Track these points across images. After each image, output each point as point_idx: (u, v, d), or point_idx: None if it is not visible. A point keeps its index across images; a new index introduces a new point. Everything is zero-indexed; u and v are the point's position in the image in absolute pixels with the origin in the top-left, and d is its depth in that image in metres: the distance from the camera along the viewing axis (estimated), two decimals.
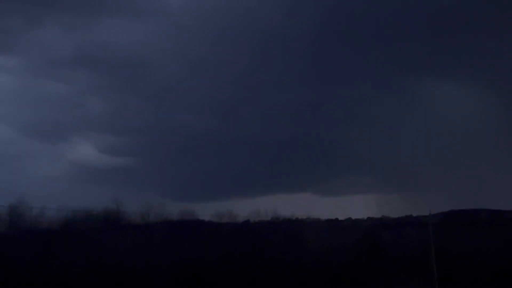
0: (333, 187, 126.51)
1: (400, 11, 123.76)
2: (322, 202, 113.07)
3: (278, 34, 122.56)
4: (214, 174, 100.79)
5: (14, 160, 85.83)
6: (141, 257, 35.36)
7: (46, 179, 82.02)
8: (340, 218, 78.52)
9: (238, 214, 52.13)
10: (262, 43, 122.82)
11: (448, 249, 50.57)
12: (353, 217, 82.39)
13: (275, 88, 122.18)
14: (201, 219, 50.09)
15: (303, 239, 47.43)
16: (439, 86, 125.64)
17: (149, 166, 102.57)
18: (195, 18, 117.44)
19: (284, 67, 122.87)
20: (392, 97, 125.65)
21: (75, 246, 33.82)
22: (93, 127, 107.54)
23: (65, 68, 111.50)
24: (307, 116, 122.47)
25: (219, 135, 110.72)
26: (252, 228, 49.06)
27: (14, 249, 31.54)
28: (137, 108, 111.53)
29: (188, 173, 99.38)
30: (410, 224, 65.18)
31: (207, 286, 36.52)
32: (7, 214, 36.14)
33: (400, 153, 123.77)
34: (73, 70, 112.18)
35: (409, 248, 51.80)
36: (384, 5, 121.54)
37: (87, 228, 37.96)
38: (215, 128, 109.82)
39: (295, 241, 46.03)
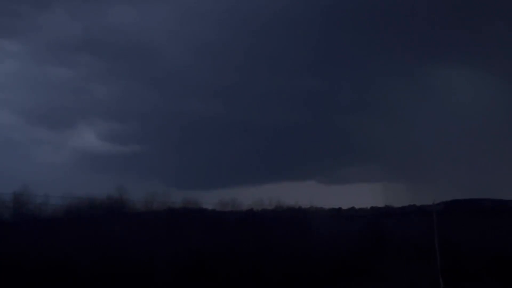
0: (339, 175, 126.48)
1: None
2: (327, 191, 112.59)
3: (288, 18, 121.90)
4: (219, 162, 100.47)
5: (19, 146, 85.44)
6: (145, 245, 35.13)
7: (50, 166, 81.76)
8: (344, 207, 78.76)
9: (241, 202, 52.12)
10: (273, 25, 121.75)
11: (451, 238, 50.47)
12: (357, 206, 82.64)
13: (282, 74, 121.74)
14: (205, 207, 50.08)
15: (306, 228, 47.37)
16: (451, 73, 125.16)
17: (154, 153, 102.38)
18: (202, 2, 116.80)
19: (293, 53, 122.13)
20: (403, 85, 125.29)
21: (79, 233, 33.61)
22: (97, 114, 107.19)
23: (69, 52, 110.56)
24: (315, 103, 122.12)
25: (224, 121, 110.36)
26: (256, 216, 48.91)
27: (18, 237, 31.33)
28: (143, 95, 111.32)
29: (193, 160, 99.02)
30: (414, 213, 65.34)
31: (210, 274, 36.37)
32: (11, 202, 35.89)
33: (409, 143, 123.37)
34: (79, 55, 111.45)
35: (413, 237, 51.81)
36: None
37: (91, 215, 37.72)
38: (221, 114, 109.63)
39: (299, 229, 45.92)
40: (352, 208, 79.27)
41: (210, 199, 77.93)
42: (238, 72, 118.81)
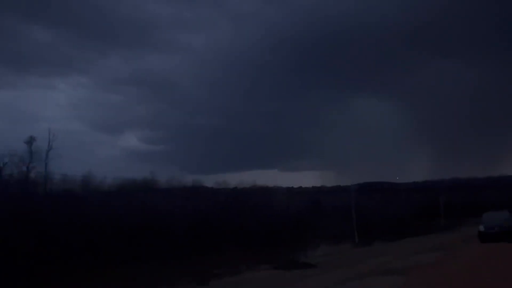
0: (292, 166, 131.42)
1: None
2: (285, 176, 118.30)
3: (266, 69, 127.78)
4: (216, 156, 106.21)
5: (87, 145, 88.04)
6: (168, 210, 35.77)
7: (107, 159, 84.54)
8: (296, 186, 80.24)
9: (230, 182, 53.24)
10: (252, 74, 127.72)
11: (362, 207, 51.59)
12: (303, 186, 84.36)
13: (254, 99, 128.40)
14: (206, 185, 51.03)
15: (271, 201, 48.12)
16: (365, 100, 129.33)
17: (174, 150, 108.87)
18: (210, 52, 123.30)
19: (264, 89, 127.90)
20: (335, 108, 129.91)
21: (127, 202, 34.14)
22: (138, 125, 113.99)
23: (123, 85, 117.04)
24: (279, 119, 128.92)
25: (220, 130, 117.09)
26: (239, 192, 49.51)
27: (85, 205, 31.78)
28: (168, 113, 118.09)
29: (199, 155, 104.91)
30: (339, 191, 66.48)
31: (209, 229, 37.01)
32: (81, 181, 36.50)
33: (336, 146, 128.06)
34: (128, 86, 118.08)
35: (338, 206, 52.73)
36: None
37: (133, 190, 38.30)
38: (218, 125, 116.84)
39: (267, 201, 46.67)
40: (300, 187, 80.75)
41: (210, 180, 80.00)
42: (230, 97, 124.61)
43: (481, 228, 25.85)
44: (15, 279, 21.04)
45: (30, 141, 33.87)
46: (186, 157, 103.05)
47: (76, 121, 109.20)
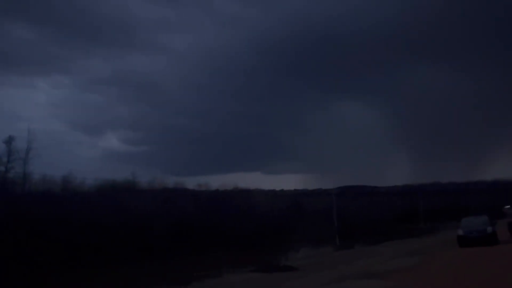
0: (275, 169, 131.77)
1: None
2: (267, 178, 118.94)
3: (251, 72, 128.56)
4: (197, 158, 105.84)
5: (67, 145, 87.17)
6: (149, 212, 35.53)
7: (88, 159, 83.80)
8: (278, 189, 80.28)
9: (212, 185, 53.08)
10: (237, 77, 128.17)
11: (344, 211, 51.91)
12: (285, 188, 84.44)
13: (242, 102, 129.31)
14: (188, 187, 50.77)
15: (253, 203, 48.06)
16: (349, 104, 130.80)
17: (154, 151, 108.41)
18: (194, 54, 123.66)
19: (250, 91, 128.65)
20: (318, 113, 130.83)
21: (106, 204, 33.81)
22: (120, 125, 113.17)
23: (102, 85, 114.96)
24: (263, 121, 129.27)
25: (202, 132, 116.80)
26: (221, 194, 49.36)
27: (64, 205, 31.42)
28: (150, 114, 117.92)
29: (180, 156, 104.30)
30: (321, 194, 66.66)
31: (191, 231, 36.88)
32: (60, 182, 36.03)
33: (320, 149, 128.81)
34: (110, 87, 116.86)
35: (320, 209, 52.89)
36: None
37: (114, 192, 37.92)
38: (199, 127, 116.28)
39: (248, 203, 46.62)
40: (283, 190, 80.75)
41: (192, 182, 79.37)
42: (214, 99, 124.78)
43: (460, 232, 26.13)
44: None
45: (9, 141, 33.39)
46: (168, 158, 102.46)
47: (56, 121, 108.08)
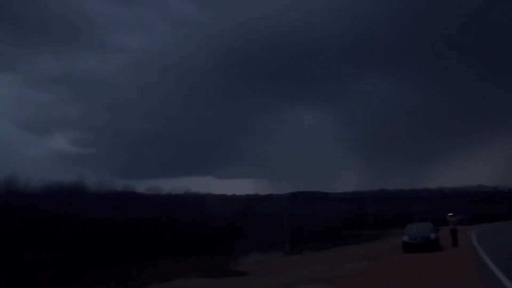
0: (228, 173, 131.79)
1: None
2: (220, 183, 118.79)
3: (205, 74, 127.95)
4: (150, 161, 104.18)
5: (13, 145, 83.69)
6: (97, 215, 34.70)
7: (33, 160, 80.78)
8: (229, 194, 79.94)
9: (163, 188, 52.24)
10: (190, 79, 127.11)
11: (294, 216, 52.37)
12: (237, 193, 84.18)
13: (196, 106, 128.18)
14: (138, 191, 49.74)
15: (204, 208, 47.80)
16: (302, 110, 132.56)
17: (104, 154, 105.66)
18: (148, 55, 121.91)
19: (203, 93, 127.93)
20: (272, 118, 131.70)
21: (52, 207, 32.77)
22: (68, 126, 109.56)
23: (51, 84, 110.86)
24: (216, 125, 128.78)
25: (153, 134, 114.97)
26: (172, 199, 48.74)
27: (9, 207, 30.25)
28: (101, 115, 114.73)
29: (130, 159, 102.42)
30: (272, 199, 67.06)
31: (140, 235, 36.29)
32: (4, 183, 34.60)
33: (272, 155, 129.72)
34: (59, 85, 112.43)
35: (271, 214, 53.16)
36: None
37: (61, 194, 36.76)
38: (151, 130, 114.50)
39: (200, 208, 46.34)
40: (234, 195, 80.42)
41: (142, 185, 78.03)
42: (167, 101, 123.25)
43: (405, 238, 26.79)
44: None
45: None
46: (118, 161, 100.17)
47: (1, 119, 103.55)
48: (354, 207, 75.99)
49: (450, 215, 30.16)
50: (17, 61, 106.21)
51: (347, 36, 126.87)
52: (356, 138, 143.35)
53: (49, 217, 30.62)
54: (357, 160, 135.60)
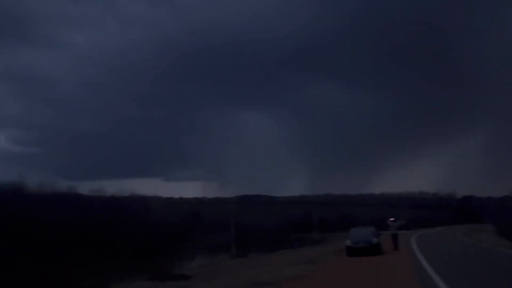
0: (176, 175, 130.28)
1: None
2: (168, 185, 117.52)
3: (154, 75, 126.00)
4: (95, 162, 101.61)
5: None
6: (36, 217, 33.32)
7: None
8: (176, 196, 78.96)
9: (107, 190, 50.79)
10: (139, 79, 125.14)
11: (241, 219, 52.31)
12: (184, 196, 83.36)
13: (142, 106, 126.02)
14: (81, 192, 48.16)
15: (150, 211, 46.97)
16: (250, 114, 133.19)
17: (48, 154, 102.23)
18: (94, 52, 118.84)
19: (152, 95, 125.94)
20: (220, 121, 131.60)
21: None
22: (9, 124, 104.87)
23: None
24: (165, 127, 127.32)
25: (99, 134, 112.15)
26: (116, 201, 47.49)
27: None
28: (44, 113, 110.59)
29: (74, 159, 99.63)
30: (220, 202, 66.73)
31: (82, 238, 35.15)
32: None
33: (220, 158, 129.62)
34: None
35: (218, 218, 52.89)
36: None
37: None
38: (95, 129, 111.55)
39: (145, 211, 45.50)
40: (181, 198, 79.55)
41: (86, 186, 75.75)
42: (114, 101, 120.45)
43: (348, 242, 27.26)
44: None
45: None
46: (61, 161, 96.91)
47: None
48: (300, 211, 76.88)
49: (391, 220, 31.02)
50: None
51: (298, 41, 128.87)
52: (304, 143, 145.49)
53: None
54: (305, 165, 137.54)
